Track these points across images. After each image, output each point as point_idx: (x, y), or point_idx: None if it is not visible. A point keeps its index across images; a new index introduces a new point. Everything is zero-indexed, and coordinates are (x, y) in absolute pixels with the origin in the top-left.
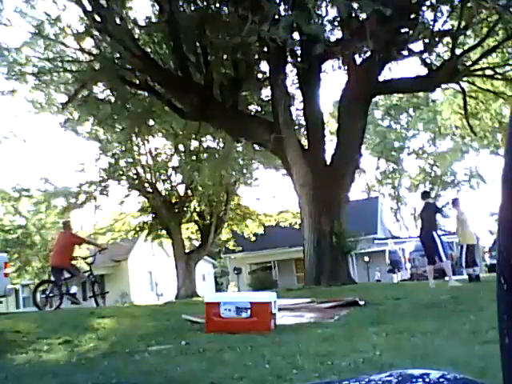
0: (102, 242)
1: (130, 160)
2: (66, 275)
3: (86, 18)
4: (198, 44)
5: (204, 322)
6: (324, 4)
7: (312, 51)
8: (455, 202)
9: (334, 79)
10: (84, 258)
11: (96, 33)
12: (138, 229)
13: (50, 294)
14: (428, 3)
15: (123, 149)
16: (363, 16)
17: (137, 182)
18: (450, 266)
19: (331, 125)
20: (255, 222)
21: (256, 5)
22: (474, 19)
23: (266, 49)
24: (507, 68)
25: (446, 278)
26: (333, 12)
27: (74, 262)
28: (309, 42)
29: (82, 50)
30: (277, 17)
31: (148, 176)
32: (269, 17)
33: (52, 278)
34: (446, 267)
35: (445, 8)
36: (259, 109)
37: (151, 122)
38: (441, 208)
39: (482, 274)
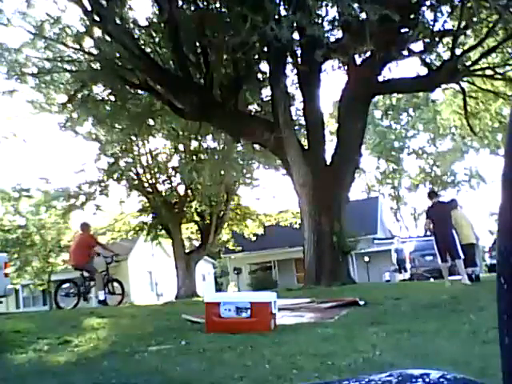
0: (102, 242)
1: (130, 160)
2: (85, 274)
3: (86, 18)
4: (198, 44)
5: (204, 321)
6: (324, 4)
7: (314, 54)
8: (453, 203)
9: (334, 79)
10: (105, 257)
11: (96, 33)
12: (137, 229)
13: (70, 294)
14: (428, 3)
15: (123, 149)
16: (363, 16)
17: (137, 182)
18: (462, 264)
19: (331, 125)
20: (255, 221)
21: (258, 5)
22: (474, 19)
23: (266, 49)
24: (507, 68)
25: (458, 277)
26: (333, 12)
27: (90, 263)
28: (311, 44)
29: (81, 50)
30: (278, 17)
31: (148, 176)
32: (271, 16)
33: (73, 277)
34: (460, 265)
35: (445, 8)
36: (259, 109)
37: (151, 122)
38: (454, 203)
39: (482, 274)
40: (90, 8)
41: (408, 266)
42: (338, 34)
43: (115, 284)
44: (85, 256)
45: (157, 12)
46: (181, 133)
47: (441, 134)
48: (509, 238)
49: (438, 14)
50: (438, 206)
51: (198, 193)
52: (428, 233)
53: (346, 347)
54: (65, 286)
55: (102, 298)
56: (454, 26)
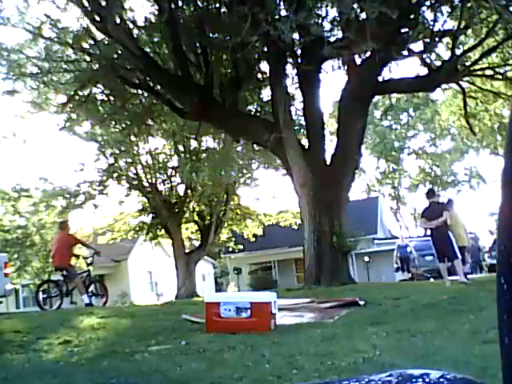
0: (102, 242)
1: (130, 160)
2: (65, 273)
3: (85, 18)
4: (198, 44)
5: (204, 321)
6: (324, 4)
7: (318, 53)
8: (449, 203)
9: (334, 79)
10: (85, 258)
11: (96, 33)
12: (137, 229)
13: (52, 294)
14: (428, 3)
15: (122, 149)
16: (363, 16)
17: (136, 182)
18: (461, 264)
19: (331, 125)
20: (255, 221)
21: (259, 5)
22: (474, 19)
23: (266, 49)
24: (507, 68)
25: (456, 277)
26: (333, 12)
27: (73, 264)
28: (312, 43)
29: (81, 50)
30: (279, 17)
31: (148, 176)
32: (273, 16)
33: (54, 278)
34: (458, 265)
35: (445, 8)
36: (259, 109)
37: (151, 122)
38: (450, 204)
39: (482, 274)
40: (89, 8)
41: (411, 264)
42: (338, 33)
43: (97, 285)
44: (66, 256)
45: (156, 12)
46: (180, 132)
47: (441, 134)
48: (509, 238)
49: (438, 14)
50: (434, 206)
51: (197, 193)
52: (428, 232)
53: (346, 347)
54: (45, 286)
55: (87, 301)
56: (454, 26)
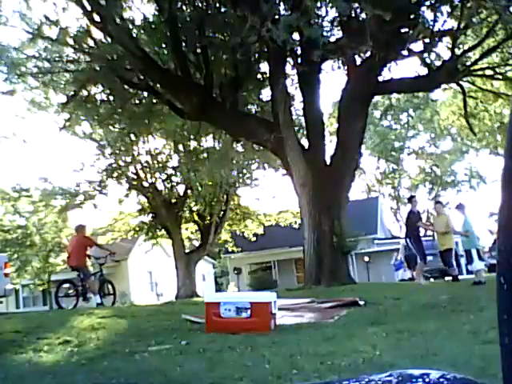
0: (102, 242)
1: (129, 160)
2: (81, 275)
3: (85, 18)
4: (198, 44)
5: (204, 321)
6: (324, 4)
7: (311, 55)
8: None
9: (334, 79)
10: (97, 258)
11: (96, 33)
12: (137, 229)
13: (70, 294)
14: (428, 3)
15: (122, 149)
16: (363, 16)
17: (136, 181)
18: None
19: (331, 125)
20: (255, 222)
21: (255, 5)
22: (474, 19)
23: (266, 49)
24: (507, 68)
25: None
26: (332, 12)
27: (88, 264)
28: (309, 44)
29: (81, 50)
30: (277, 17)
31: (147, 176)
32: (268, 17)
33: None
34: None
35: (445, 8)
36: (259, 109)
37: (151, 122)
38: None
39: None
40: (89, 8)
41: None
42: (339, 33)
43: (108, 285)
44: (82, 257)
45: (156, 12)
46: (180, 133)
47: (441, 134)
48: (509, 238)
49: (438, 14)
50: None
51: (194, 193)
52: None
53: (346, 347)
54: (64, 286)
55: (99, 301)
56: (453, 26)
